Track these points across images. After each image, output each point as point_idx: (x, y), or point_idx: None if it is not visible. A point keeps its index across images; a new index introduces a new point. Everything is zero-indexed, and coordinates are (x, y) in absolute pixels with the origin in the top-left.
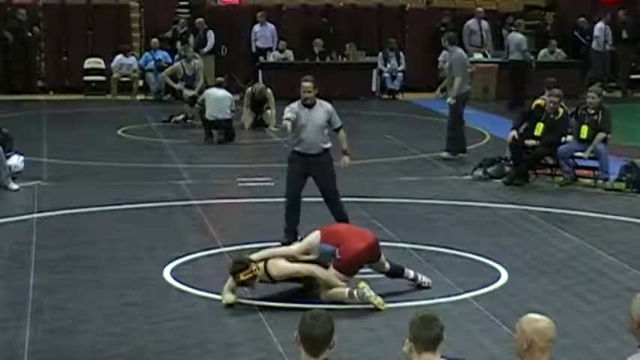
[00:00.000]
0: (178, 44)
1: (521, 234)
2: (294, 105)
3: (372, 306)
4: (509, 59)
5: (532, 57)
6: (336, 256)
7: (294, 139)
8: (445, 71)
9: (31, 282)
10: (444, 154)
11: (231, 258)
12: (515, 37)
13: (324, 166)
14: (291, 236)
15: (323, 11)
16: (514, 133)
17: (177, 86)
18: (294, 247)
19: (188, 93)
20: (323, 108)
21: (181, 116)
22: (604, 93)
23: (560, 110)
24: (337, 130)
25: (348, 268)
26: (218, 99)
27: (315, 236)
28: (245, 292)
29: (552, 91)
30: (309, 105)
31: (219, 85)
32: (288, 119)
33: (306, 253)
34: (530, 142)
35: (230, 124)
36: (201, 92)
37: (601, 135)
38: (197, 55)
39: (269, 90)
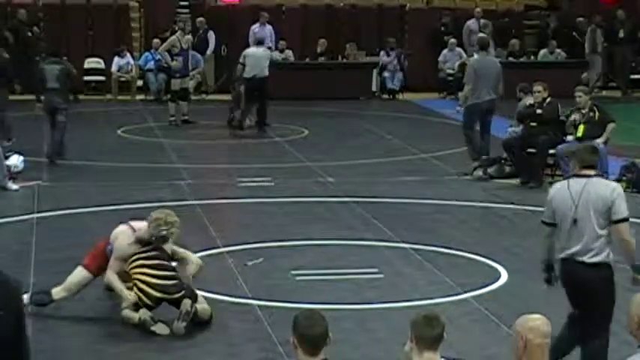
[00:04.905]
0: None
1: (521, 234)
2: None
3: (370, 306)
4: None
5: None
6: None
7: None
8: (445, 71)
9: (31, 282)
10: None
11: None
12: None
13: None
14: None
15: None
16: (514, 128)
17: (173, 63)
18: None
19: (178, 83)
20: None
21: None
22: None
23: (548, 98)
24: None
25: None
26: (258, 57)
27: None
28: (245, 293)
29: (534, 84)
30: None
31: (259, 44)
32: None
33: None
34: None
35: (265, 82)
36: (197, 89)
37: (611, 125)
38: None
39: None
